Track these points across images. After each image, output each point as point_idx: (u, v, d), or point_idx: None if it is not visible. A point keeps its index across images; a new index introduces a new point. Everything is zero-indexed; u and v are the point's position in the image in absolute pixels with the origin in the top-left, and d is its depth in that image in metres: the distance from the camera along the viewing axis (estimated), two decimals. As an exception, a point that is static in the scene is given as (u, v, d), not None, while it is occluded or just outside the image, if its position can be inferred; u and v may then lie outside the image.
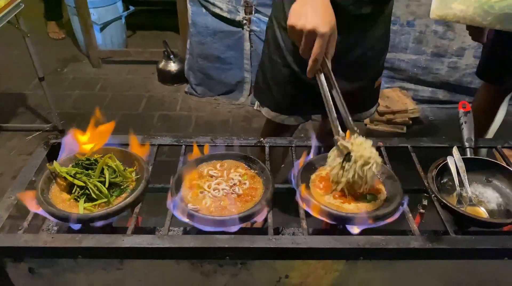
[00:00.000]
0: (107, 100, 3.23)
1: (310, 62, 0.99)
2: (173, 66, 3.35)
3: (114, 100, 3.24)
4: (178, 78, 3.35)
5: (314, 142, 1.13)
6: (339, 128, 0.97)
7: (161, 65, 3.38)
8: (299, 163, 1.08)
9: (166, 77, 3.39)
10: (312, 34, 0.96)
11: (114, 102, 3.21)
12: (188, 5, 2.98)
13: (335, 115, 0.98)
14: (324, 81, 1.00)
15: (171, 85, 3.38)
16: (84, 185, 0.96)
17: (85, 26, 3.42)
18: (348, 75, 1.40)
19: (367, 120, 2.90)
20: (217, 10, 2.89)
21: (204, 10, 2.95)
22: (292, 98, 1.52)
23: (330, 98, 0.99)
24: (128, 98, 3.26)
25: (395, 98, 2.86)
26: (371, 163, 0.92)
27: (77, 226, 0.90)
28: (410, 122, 2.86)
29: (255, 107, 1.67)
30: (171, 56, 3.34)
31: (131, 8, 3.77)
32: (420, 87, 3.00)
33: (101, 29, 3.58)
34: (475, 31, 1.70)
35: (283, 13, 1.39)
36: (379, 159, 0.94)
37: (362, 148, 0.93)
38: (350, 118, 0.97)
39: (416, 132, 2.86)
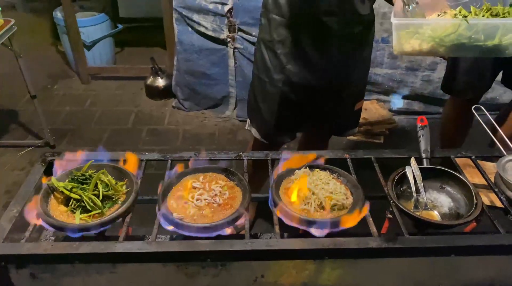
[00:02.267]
0: (96, 115, 3.33)
1: None
2: (160, 82, 3.47)
3: (104, 115, 3.34)
4: (166, 93, 3.47)
5: (286, 155, 1.26)
6: None
7: (149, 81, 3.50)
8: (274, 174, 1.20)
9: (154, 93, 3.51)
10: None
11: (103, 117, 3.31)
12: (175, 25, 3.11)
13: None
14: None
15: (159, 100, 3.50)
16: (80, 198, 1.07)
17: (74, 45, 3.53)
18: (331, 94, 1.53)
19: (346, 131, 3.04)
20: (202, 29, 3.03)
21: (190, 29, 3.08)
22: (280, 117, 1.62)
23: None
24: (117, 113, 3.36)
25: (373, 110, 3.01)
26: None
27: (75, 235, 1.01)
28: (387, 132, 3.01)
29: (246, 127, 1.78)
30: (159, 72, 3.46)
31: (119, 26, 3.89)
32: (396, 99, 3.16)
33: (90, 47, 3.69)
34: None
35: (270, 35, 1.50)
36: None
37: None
38: None
39: (394, 142, 3.00)
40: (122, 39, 4.12)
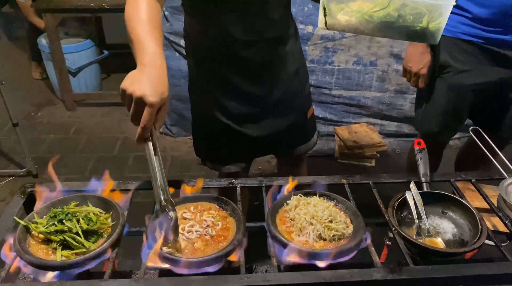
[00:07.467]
0: (82, 143, 3.25)
1: (139, 129, 0.98)
2: (147, 108, 3.41)
3: (89, 142, 3.26)
4: (153, 119, 3.41)
5: (280, 181, 1.21)
6: (161, 197, 0.99)
7: (135, 107, 3.43)
8: (268, 202, 1.15)
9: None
10: (141, 102, 0.95)
11: (89, 145, 3.23)
12: (162, 50, 3.08)
13: (159, 182, 1.00)
14: (152, 150, 1.00)
15: (146, 126, 3.43)
16: (62, 238, 0.99)
17: (59, 72, 3.48)
18: (277, 113, 1.53)
19: (337, 155, 3.01)
20: (189, 54, 3.00)
21: (177, 55, 3.06)
22: (230, 148, 1.62)
23: (156, 166, 1.00)
24: (103, 140, 3.29)
25: (363, 133, 2.99)
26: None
27: (57, 274, 0.93)
28: (378, 155, 2.99)
29: (198, 163, 1.79)
30: (146, 98, 3.40)
31: (105, 52, 3.85)
32: (386, 122, 3.15)
33: (75, 74, 3.63)
34: (410, 76, 1.77)
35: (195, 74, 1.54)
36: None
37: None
38: (168, 190, 1.00)
39: (385, 164, 2.98)
40: (108, 65, 4.08)
